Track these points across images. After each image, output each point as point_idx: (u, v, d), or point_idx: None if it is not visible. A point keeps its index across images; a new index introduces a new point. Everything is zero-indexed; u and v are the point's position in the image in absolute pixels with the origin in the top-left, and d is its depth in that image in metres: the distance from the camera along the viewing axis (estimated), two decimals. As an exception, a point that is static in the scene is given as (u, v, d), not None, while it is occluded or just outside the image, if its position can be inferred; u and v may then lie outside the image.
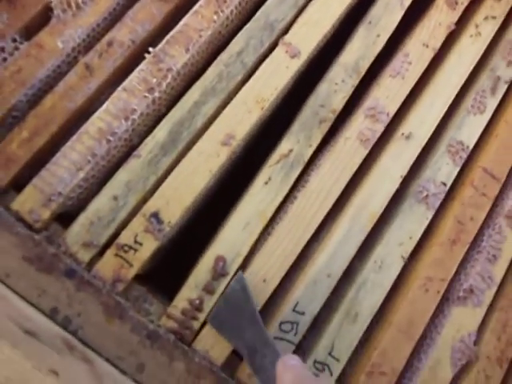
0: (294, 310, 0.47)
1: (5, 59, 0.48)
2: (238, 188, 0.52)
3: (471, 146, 0.55)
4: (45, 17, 0.50)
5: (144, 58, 0.49)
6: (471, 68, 0.57)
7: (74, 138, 0.46)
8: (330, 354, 0.46)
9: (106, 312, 0.42)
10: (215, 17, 0.51)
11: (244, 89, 0.50)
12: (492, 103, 0.57)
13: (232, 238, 0.47)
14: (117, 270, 0.44)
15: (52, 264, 0.42)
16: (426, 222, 0.51)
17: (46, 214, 0.44)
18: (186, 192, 0.47)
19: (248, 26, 0.52)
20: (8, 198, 0.44)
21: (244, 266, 0.47)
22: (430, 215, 0.51)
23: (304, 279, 0.48)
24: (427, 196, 0.52)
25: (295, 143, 0.51)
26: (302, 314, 0.47)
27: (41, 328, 0.38)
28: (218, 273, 0.46)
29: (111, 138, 0.47)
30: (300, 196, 0.49)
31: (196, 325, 0.45)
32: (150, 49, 0.49)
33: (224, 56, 0.51)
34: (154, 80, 0.48)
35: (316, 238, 0.50)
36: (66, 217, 0.46)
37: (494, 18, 0.59)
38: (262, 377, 0.41)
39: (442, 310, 0.51)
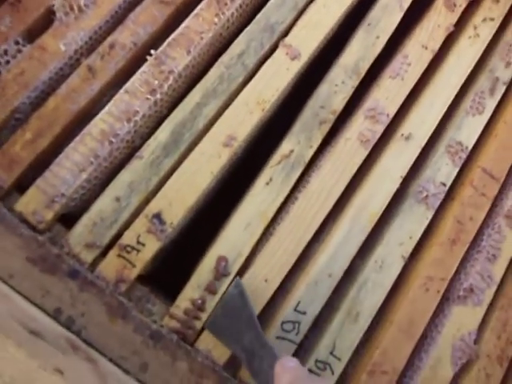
0: (295, 310, 0.47)
1: (8, 62, 0.48)
2: (240, 188, 0.53)
3: (470, 147, 0.55)
4: (47, 20, 0.50)
5: (146, 60, 0.50)
6: (470, 69, 0.57)
7: (77, 139, 0.46)
8: (331, 353, 0.47)
9: (109, 312, 0.43)
10: (216, 19, 0.52)
11: (245, 90, 0.50)
12: (491, 104, 0.57)
13: (233, 238, 0.48)
14: (120, 271, 0.44)
15: (55, 265, 0.43)
16: (426, 222, 0.52)
17: (49, 215, 0.44)
18: (188, 193, 0.47)
19: (249, 28, 0.52)
20: (11, 199, 0.45)
21: (246, 266, 0.48)
22: (429, 215, 0.52)
23: (305, 279, 0.48)
24: (427, 196, 0.52)
25: (296, 144, 0.51)
26: (304, 313, 0.47)
27: (45, 328, 0.38)
28: (220, 273, 0.46)
29: (114, 140, 0.47)
30: (301, 196, 0.50)
31: (198, 324, 0.45)
32: (152, 51, 0.50)
33: (225, 58, 0.51)
34: (156, 82, 0.49)
35: (317, 239, 0.51)
36: (69, 218, 0.47)
37: (492, 19, 0.59)
38: (261, 379, 0.41)
39: (442, 309, 0.51)
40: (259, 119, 0.50)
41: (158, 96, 0.49)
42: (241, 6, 0.53)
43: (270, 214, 0.49)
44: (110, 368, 0.40)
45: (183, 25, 0.51)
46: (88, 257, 0.44)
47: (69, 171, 0.46)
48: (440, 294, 0.50)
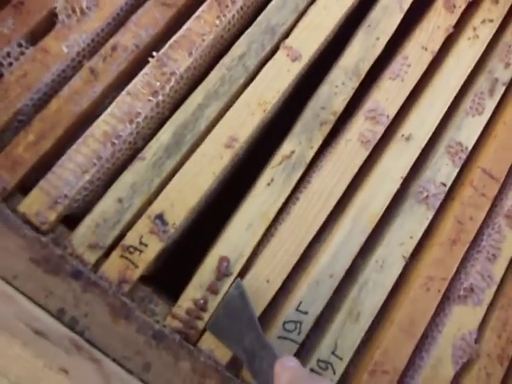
0: (297, 310, 0.47)
1: (11, 64, 0.48)
2: (241, 189, 0.53)
3: (470, 147, 0.56)
4: (50, 22, 0.50)
5: (148, 62, 0.50)
6: (469, 70, 0.58)
7: (80, 141, 0.47)
8: (333, 352, 0.47)
9: (112, 313, 0.43)
10: (217, 21, 0.52)
11: (246, 92, 0.51)
12: (490, 104, 0.57)
13: (235, 238, 0.48)
14: (122, 271, 0.45)
15: (59, 265, 0.43)
16: (427, 222, 0.52)
17: (52, 217, 0.45)
18: (190, 194, 0.48)
19: (250, 30, 0.53)
20: (15, 200, 0.45)
21: (247, 266, 0.48)
22: (430, 215, 0.52)
23: (307, 279, 0.48)
24: (427, 196, 0.53)
25: (297, 145, 0.51)
26: (306, 313, 0.47)
27: (49, 328, 0.39)
28: (222, 273, 0.47)
29: (116, 141, 0.47)
30: (302, 197, 0.50)
31: (200, 324, 0.45)
32: (154, 53, 0.50)
33: (226, 60, 0.51)
34: (158, 84, 0.49)
35: (318, 239, 0.51)
36: (72, 219, 0.47)
37: (491, 21, 0.60)
38: (261, 379, 0.41)
39: (442, 308, 0.52)
40: (260, 120, 0.51)
41: (160, 97, 0.49)
42: (242, 8, 0.54)
43: (272, 215, 0.49)
44: (113, 368, 0.40)
45: (185, 27, 0.51)
46: (91, 257, 0.45)
47: (72, 173, 0.46)
48: (440, 293, 0.51)
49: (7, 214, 0.43)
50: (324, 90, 0.53)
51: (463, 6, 0.59)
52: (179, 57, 0.50)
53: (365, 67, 0.54)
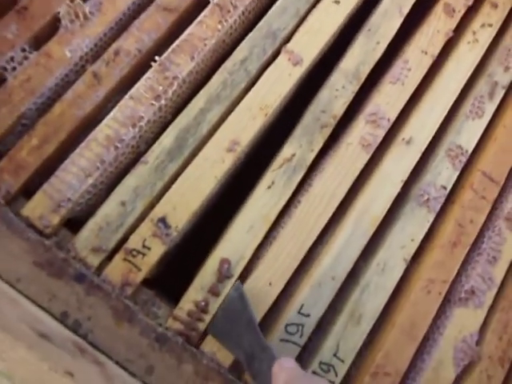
0: (299, 313, 0.47)
1: (14, 68, 0.49)
2: (243, 192, 0.53)
3: (470, 150, 0.56)
4: (53, 27, 0.51)
5: (150, 66, 0.50)
6: (469, 74, 0.58)
7: (83, 145, 0.47)
8: (335, 355, 0.47)
9: (115, 316, 0.43)
10: (219, 26, 0.52)
11: (248, 96, 0.51)
12: (490, 108, 0.58)
13: (236, 241, 0.48)
14: (125, 275, 0.45)
15: (62, 269, 0.43)
16: (428, 225, 0.52)
17: (55, 220, 0.45)
18: (192, 197, 0.48)
19: (251, 34, 0.53)
20: (18, 204, 0.45)
21: (249, 269, 0.48)
22: (431, 218, 0.53)
23: (309, 282, 0.48)
24: (428, 199, 0.53)
25: (297, 148, 0.52)
26: (307, 316, 0.47)
27: (53, 331, 0.39)
28: (223, 275, 0.47)
29: (119, 145, 0.48)
30: (303, 200, 0.50)
31: (202, 326, 0.45)
32: (156, 57, 0.50)
33: (228, 64, 0.52)
34: (161, 88, 0.50)
35: (320, 242, 0.51)
36: (75, 222, 0.47)
37: (490, 25, 0.60)
38: (260, 381, 0.42)
39: (443, 311, 0.52)
40: (262, 124, 0.51)
41: (163, 102, 0.49)
42: (243, 13, 0.54)
43: (272, 217, 0.49)
44: (116, 371, 0.40)
45: (187, 31, 0.52)
46: (94, 261, 0.45)
47: (75, 176, 0.46)
48: (441, 296, 0.51)
49: (11, 217, 0.44)
50: (324, 94, 0.54)
51: (463, 11, 0.60)
52: (181, 61, 0.51)
53: (365, 71, 0.55)
